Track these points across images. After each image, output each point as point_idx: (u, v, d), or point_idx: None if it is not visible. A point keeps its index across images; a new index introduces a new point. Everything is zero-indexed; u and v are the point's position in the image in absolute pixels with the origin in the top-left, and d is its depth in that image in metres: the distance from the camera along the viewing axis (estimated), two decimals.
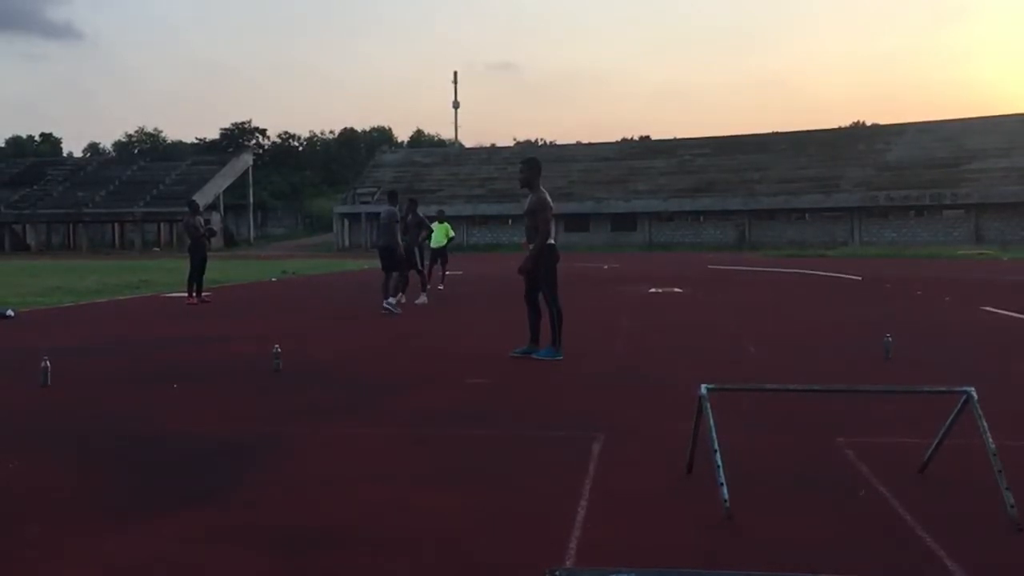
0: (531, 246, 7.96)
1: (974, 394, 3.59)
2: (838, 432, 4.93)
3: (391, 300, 12.85)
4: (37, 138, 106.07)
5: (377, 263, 13.58)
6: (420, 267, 15.56)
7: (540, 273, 7.94)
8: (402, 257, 13.29)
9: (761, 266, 29.89)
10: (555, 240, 8.01)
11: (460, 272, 21.93)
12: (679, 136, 74.07)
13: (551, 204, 7.98)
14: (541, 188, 8.01)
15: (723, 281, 21.54)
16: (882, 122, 74.31)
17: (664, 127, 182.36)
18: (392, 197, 13.68)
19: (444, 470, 4.33)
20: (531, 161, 8.34)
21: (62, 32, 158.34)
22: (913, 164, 57.81)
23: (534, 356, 7.92)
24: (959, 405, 3.72)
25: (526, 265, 7.96)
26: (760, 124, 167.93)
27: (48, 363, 6.73)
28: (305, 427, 5.34)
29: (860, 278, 21.56)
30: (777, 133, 67.56)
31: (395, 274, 13.07)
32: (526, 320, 8.17)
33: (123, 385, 6.97)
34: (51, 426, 5.45)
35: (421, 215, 15.76)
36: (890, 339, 7.91)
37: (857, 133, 71.48)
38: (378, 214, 15.04)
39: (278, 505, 3.79)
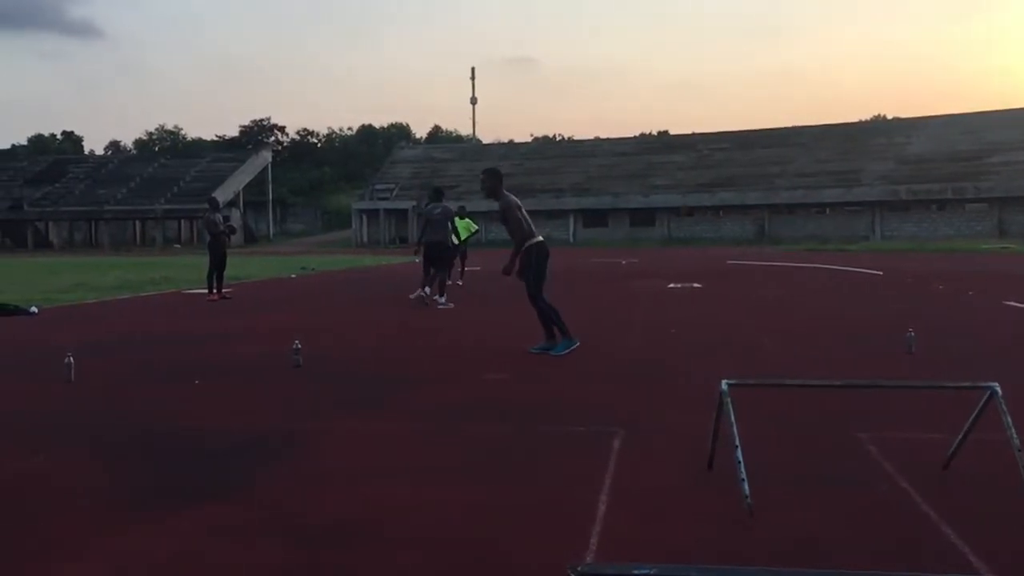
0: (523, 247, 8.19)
1: (998, 390, 3.56)
2: (860, 428, 4.90)
3: (438, 297, 13.26)
4: (59, 136, 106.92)
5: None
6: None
7: (527, 271, 8.05)
8: (451, 255, 13.60)
9: (781, 261, 29.71)
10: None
11: (478, 268, 21.92)
12: (698, 131, 73.73)
13: (518, 203, 8.32)
14: (505, 193, 8.36)
15: (742, 276, 21.43)
16: (903, 115, 73.66)
17: (682, 122, 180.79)
18: (438, 194, 13.84)
19: (463, 466, 4.34)
20: (491, 171, 8.71)
21: (82, 30, 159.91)
22: (934, 157, 57.24)
23: (551, 353, 7.92)
24: (983, 400, 3.68)
25: (509, 266, 8.29)
26: (779, 118, 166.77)
27: (72, 359, 6.81)
28: (324, 422, 5.37)
29: (881, 273, 21.40)
30: (796, 127, 67.12)
31: (438, 272, 13.44)
32: (538, 319, 8.21)
33: (145, 381, 7.03)
34: (75, 422, 5.51)
35: None
36: (912, 334, 7.85)
37: (877, 126, 70.83)
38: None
39: (296, 500, 3.81)
